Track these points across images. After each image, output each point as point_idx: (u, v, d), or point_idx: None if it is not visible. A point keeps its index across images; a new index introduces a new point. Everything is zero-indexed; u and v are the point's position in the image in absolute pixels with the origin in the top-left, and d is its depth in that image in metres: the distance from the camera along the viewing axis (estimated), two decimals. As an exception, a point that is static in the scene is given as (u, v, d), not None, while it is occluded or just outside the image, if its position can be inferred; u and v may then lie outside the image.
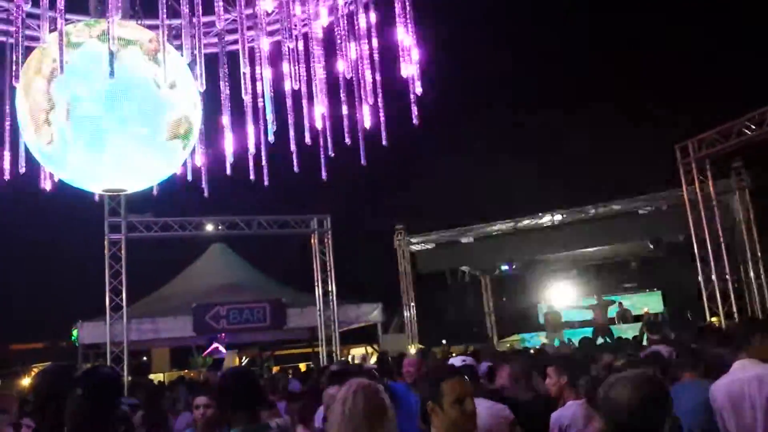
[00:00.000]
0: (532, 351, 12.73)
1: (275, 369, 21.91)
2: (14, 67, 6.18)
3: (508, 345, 21.28)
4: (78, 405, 2.73)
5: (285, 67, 8.63)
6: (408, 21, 7.72)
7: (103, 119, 6.37)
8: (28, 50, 7.22)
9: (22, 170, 8.53)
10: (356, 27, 8.24)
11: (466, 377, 3.09)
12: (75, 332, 15.47)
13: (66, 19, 6.31)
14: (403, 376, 6.26)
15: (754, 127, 12.94)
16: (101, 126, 6.39)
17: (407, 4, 7.73)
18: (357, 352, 24.92)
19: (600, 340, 14.84)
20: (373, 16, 8.45)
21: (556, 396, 4.76)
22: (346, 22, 8.22)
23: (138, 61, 6.59)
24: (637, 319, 19.29)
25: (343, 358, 16.66)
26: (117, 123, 6.46)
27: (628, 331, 17.58)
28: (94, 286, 15.27)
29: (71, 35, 6.48)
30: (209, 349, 17.31)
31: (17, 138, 8.25)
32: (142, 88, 6.62)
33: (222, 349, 17.07)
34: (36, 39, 7.61)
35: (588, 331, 16.70)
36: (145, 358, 26.50)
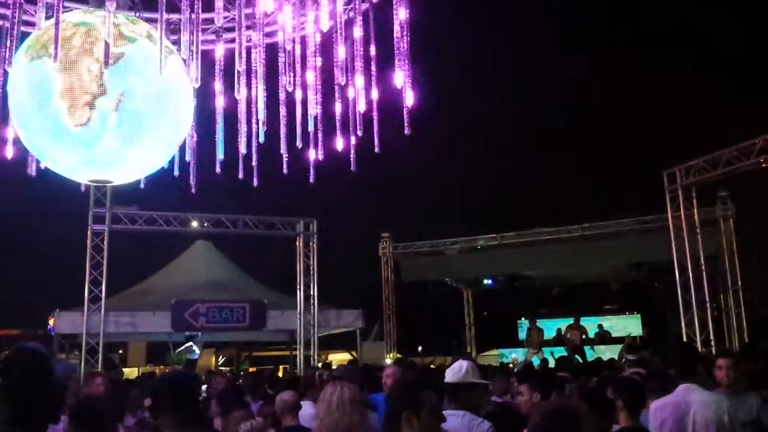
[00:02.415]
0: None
1: (251, 370, 21.83)
2: (8, 53, 6.12)
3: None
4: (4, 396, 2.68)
5: (280, 69, 8.62)
6: (404, 32, 7.73)
7: (148, 118, 6.62)
8: (24, 35, 7.17)
9: (10, 155, 8.45)
10: (353, 34, 8.24)
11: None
12: (52, 321, 15.34)
13: (64, 7, 6.28)
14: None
15: (741, 158, 13.09)
16: (145, 123, 6.63)
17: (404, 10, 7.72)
18: (335, 357, 24.88)
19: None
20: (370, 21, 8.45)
21: (528, 413, 4.78)
22: (344, 27, 8.21)
23: (179, 69, 6.99)
24: (617, 341, 19.41)
25: (319, 363, 16.59)
26: (157, 123, 6.76)
27: (606, 352, 17.68)
28: (74, 275, 15.16)
29: (121, 26, 6.54)
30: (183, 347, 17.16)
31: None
32: (181, 95, 7.03)
33: (195, 348, 16.93)
34: (32, 24, 7.56)
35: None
36: (120, 352, 26.30)
